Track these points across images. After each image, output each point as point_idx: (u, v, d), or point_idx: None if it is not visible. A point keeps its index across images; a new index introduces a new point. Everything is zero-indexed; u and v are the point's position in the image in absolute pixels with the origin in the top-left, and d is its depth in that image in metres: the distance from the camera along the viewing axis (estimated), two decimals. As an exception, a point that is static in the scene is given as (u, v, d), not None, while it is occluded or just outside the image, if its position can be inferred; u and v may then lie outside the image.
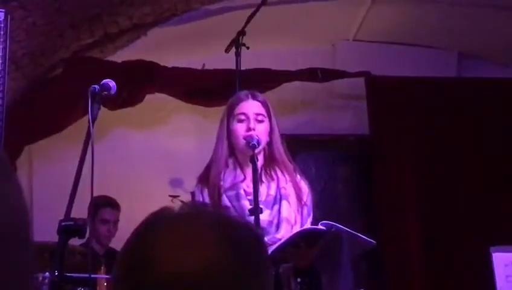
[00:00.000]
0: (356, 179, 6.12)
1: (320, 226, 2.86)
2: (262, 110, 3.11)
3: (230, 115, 3.11)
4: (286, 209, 3.04)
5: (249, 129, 3.04)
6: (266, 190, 3.06)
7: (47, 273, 2.87)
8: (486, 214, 5.28)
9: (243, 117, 3.08)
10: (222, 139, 3.12)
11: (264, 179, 3.08)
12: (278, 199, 3.05)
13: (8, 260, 0.70)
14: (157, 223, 0.98)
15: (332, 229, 2.84)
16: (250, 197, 2.97)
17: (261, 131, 3.06)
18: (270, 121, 3.12)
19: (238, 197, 3.03)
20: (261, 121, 3.09)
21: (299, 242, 2.87)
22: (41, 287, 2.69)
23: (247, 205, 2.99)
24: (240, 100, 3.13)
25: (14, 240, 0.72)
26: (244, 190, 3.05)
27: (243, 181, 3.07)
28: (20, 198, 0.75)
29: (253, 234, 1.01)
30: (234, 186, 3.06)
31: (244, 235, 0.98)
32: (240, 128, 3.06)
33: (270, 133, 3.12)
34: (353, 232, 2.92)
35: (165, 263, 0.91)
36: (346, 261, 2.98)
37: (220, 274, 0.91)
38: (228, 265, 0.92)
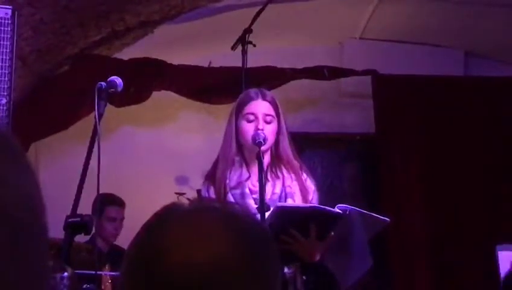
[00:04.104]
0: (362, 177, 6.12)
1: (336, 209, 2.87)
2: (271, 111, 3.08)
3: (239, 114, 3.09)
4: None
5: (257, 130, 3.02)
6: (271, 189, 3.06)
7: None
8: (493, 213, 5.28)
9: (252, 117, 3.05)
10: (230, 137, 3.10)
11: (269, 177, 3.07)
12: (283, 198, 3.05)
13: (26, 245, 0.71)
14: (167, 216, 0.99)
15: (347, 212, 2.86)
16: (255, 195, 2.98)
17: (269, 132, 3.04)
18: (278, 120, 3.10)
19: (243, 196, 3.03)
20: (269, 122, 3.07)
21: (310, 228, 2.87)
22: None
23: (252, 203, 2.99)
24: (250, 99, 3.10)
25: (32, 226, 0.72)
26: (249, 189, 3.05)
27: (247, 180, 3.06)
28: (36, 187, 0.76)
29: (260, 228, 1.03)
30: (239, 185, 3.06)
31: (252, 228, 1.00)
32: (248, 128, 3.04)
33: (278, 133, 3.10)
34: (367, 212, 2.97)
35: (174, 255, 0.92)
36: (363, 241, 2.98)
37: (228, 266, 0.92)
38: (236, 257, 0.93)
